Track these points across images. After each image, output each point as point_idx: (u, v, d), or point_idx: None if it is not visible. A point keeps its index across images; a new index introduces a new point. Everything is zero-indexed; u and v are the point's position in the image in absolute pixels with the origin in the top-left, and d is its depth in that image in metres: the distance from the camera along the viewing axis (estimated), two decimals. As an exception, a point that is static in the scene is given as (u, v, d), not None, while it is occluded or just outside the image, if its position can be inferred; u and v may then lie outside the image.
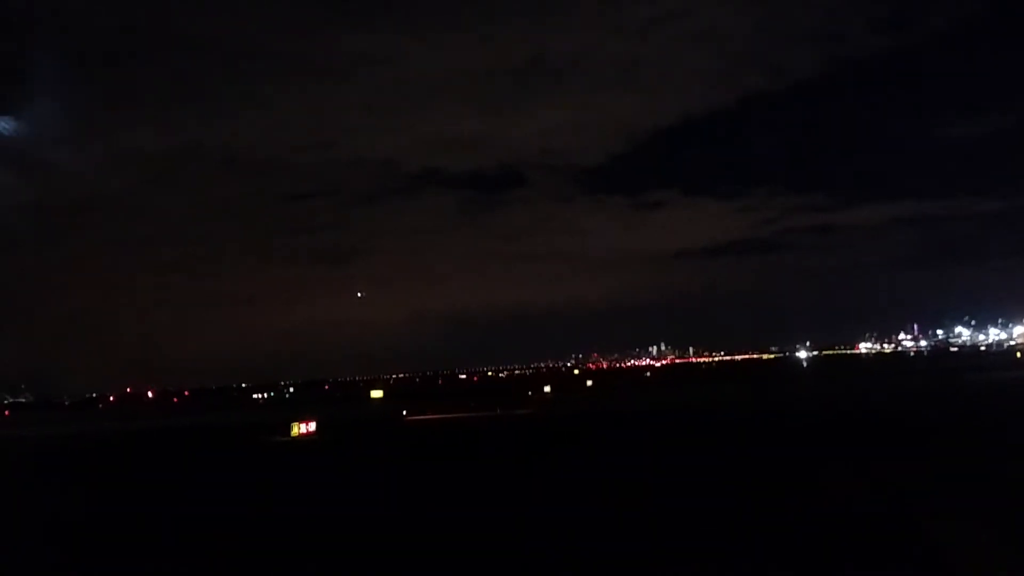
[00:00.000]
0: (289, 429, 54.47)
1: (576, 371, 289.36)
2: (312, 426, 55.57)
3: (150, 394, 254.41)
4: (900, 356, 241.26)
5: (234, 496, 28.83)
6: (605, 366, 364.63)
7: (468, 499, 24.98)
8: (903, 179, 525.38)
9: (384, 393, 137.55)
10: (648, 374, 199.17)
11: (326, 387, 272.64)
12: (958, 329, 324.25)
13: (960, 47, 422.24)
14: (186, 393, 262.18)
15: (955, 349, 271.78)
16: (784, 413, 52.23)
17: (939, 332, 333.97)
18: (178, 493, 30.79)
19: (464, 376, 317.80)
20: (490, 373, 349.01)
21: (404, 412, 72.89)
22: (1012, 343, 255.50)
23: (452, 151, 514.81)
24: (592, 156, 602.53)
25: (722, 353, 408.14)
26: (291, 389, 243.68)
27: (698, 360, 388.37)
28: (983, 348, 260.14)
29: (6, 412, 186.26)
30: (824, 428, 40.21)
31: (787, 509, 20.11)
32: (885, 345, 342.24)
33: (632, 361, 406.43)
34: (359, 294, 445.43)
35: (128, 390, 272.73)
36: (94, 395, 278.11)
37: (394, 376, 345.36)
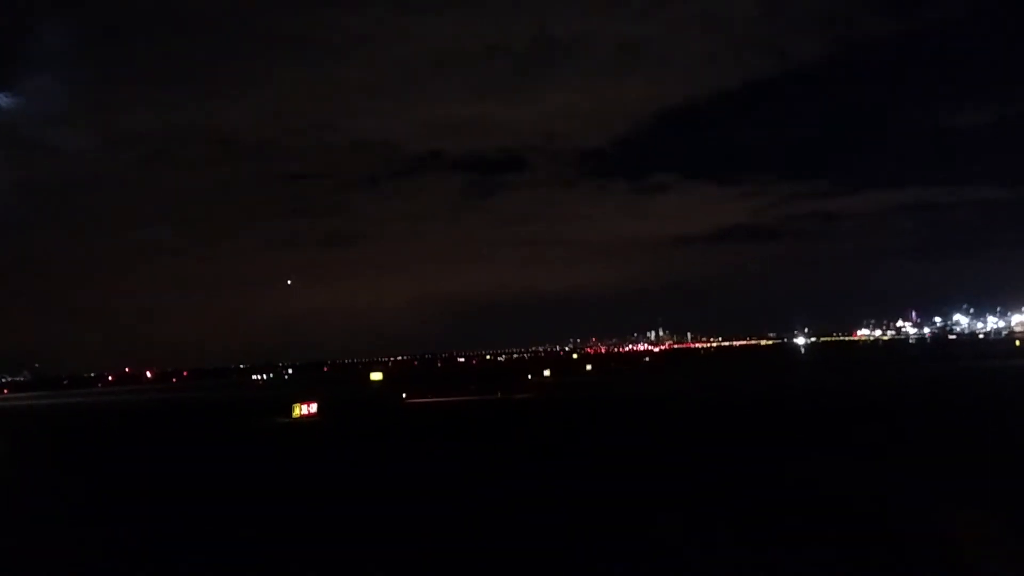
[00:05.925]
0: (291, 410, 54.44)
1: (575, 355, 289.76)
2: (313, 407, 55.47)
3: (149, 374, 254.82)
4: (901, 343, 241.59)
5: (239, 482, 28.66)
6: (603, 351, 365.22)
7: (471, 486, 24.79)
8: (906, 166, 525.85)
9: (384, 376, 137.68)
10: (647, 359, 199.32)
11: (325, 369, 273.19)
12: (956, 316, 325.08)
13: (966, 35, 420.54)
14: (184, 374, 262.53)
15: (954, 336, 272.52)
16: (781, 401, 52.12)
17: (937, 320, 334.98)
18: (181, 478, 30.58)
19: (463, 359, 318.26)
20: (489, 357, 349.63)
21: (404, 395, 72.81)
22: (1010, 331, 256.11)
23: (453, 133, 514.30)
24: (594, 139, 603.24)
25: (720, 339, 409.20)
26: (290, 371, 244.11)
27: (696, 345, 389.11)
28: (981, 336, 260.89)
29: (5, 391, 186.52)
30: (816, 420, 40.08)
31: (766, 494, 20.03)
32: (884, 331, 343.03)
33: (630, 346, 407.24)
34: (287, 282, 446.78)
35: (127, 370, 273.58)
36: (92, 375, 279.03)
37: (393, 359, 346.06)
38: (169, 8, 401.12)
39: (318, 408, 55.80)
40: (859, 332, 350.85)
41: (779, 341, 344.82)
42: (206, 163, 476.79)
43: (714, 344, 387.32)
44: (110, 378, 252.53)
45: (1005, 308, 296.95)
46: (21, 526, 22.02)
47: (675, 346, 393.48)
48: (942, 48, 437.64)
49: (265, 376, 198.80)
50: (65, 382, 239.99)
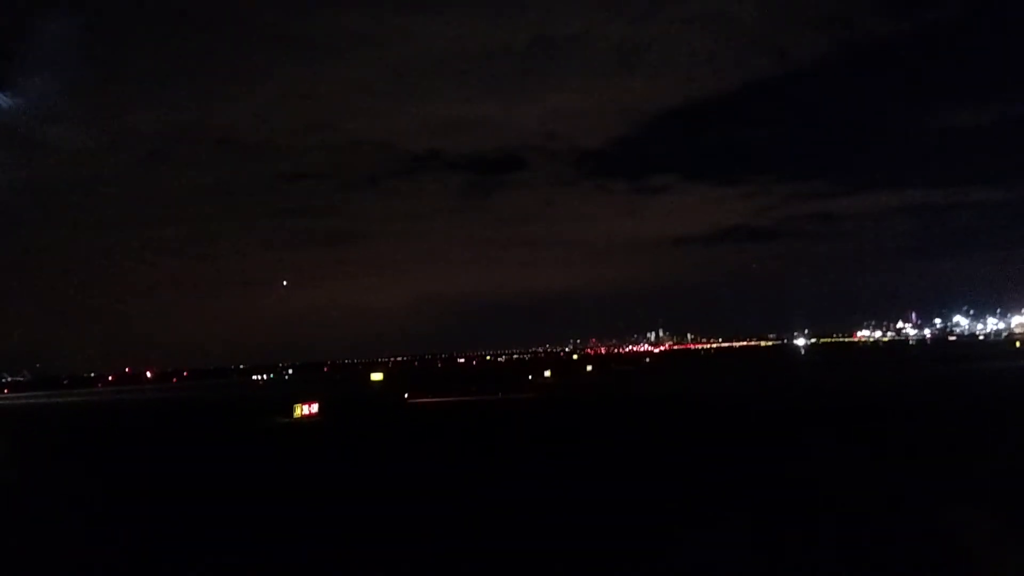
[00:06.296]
0: (291, 410, 54.45)
1: (575, 356, 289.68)
2: (315, 408, 55.50)
3: (149, 374, 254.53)
4: (901, 344, 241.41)
5: (241, 482, 28.70)
6: (603, 351, 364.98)
7: (472, 486, 24.84)
8: (905, 167, 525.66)
9: (384, 376, 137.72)
10: (647, 360, 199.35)
11: (325, 369, 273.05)
12: (956, 318, 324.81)
13: (966, 35, 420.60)
14: (185, 373, 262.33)
15: (953, 338, 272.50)
16: (781, 402, 52.16)
17: (937, 321, 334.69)
18: (182, 478, 30.62)
19: (463, 360, 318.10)
20: (488, 357, 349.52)
21: (406, 395, 72.86)
22: (1009, 332, 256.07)
23: (452, 133, 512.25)
24: (594, 139, 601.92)
25: (720, 340, 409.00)
26: (290, 371, 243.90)
27: (696, 346, 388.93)
28: (981, 337, 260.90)
29: (5, 390, 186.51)
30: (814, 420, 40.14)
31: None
32: (884, 333, 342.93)
33: (630, 347, 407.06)
34: (283, 283, 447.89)
35: (127, 370, 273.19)
36: (92, 375, 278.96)
37: (393, 359, 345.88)
38: (169, 8, 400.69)
39: (319, 408, 55.85)
40: (859, 333, 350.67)
41: (779, 342, 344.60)
42: (206, 163, 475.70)
43: (714, 345, 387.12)
44: (110, 378, 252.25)
45: (1005, 309, 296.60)
46: (21, 526, 22.05)
47: (675, 347, 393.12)
48: (942, 48, 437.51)
49: (265, 376, 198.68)
50: (65, 382, 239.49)
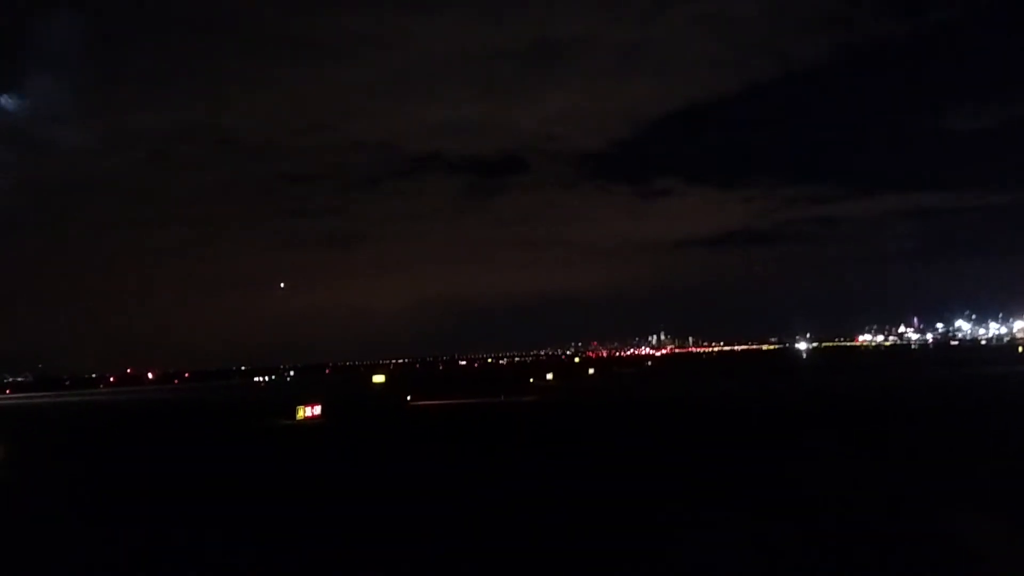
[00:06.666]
0: (295, 412, 54.46)
1: (576, 359, 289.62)
2: (317, 409, 55.56)
3: (150, 375, 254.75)
4: (903, 349, 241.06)
5: (248, 483, 28.78)
6: (605, 355, 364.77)
7: (475, 487, 24.90)
8: (907, 171, 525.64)
9: (386, 378, 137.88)
10: (649, 363, 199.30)
11: (327, 371, 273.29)
12: (958, 322, 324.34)
13: (968, 38, 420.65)
14: (186, 375, 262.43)
15: (956, 343, 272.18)
16: (781, 406, 52.15)
17: (940, 325, 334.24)
18: (187, 478, 30.70)
19: (464, 362, 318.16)
20: (490, 360, 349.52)
21: (408, 397, 72.92)
22: (1012, 337, 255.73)
23: (453, 134, 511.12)
24: (595, 142, 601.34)
25: (721, 343, 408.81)
26: (292, 373, 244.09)
27: (698, 350, 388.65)
28: (983, 342, 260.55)
29: (8, 391, 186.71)
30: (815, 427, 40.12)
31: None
32: (886, 337, 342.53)
33: (632, 350, 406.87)
34: (281, 284, 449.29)
35: (129, 371, 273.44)
36: (94, 375, 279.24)
37: (394, 361, 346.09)
38: (170, 8, 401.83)
39: (322, 410, 55.88)
40: (861, 337, 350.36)
41: (781, 346, 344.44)
42: (207, 163, 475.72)
43: (716, 348, 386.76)
44: (112, 379, 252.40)
45: (1007, 314, 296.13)
46: (22, 526, 22.10)
47: (676, 350, 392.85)
48: (944, 51, 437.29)
49: (267, 378, 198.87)
50: (67, 383, 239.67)
